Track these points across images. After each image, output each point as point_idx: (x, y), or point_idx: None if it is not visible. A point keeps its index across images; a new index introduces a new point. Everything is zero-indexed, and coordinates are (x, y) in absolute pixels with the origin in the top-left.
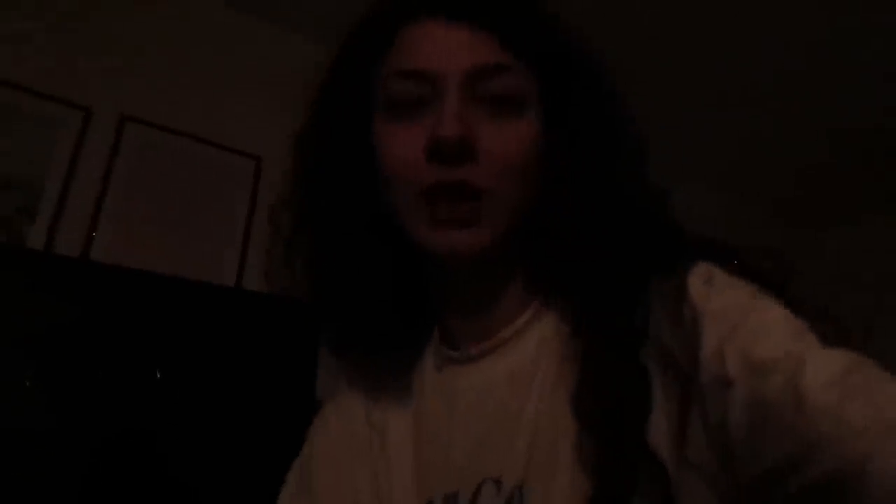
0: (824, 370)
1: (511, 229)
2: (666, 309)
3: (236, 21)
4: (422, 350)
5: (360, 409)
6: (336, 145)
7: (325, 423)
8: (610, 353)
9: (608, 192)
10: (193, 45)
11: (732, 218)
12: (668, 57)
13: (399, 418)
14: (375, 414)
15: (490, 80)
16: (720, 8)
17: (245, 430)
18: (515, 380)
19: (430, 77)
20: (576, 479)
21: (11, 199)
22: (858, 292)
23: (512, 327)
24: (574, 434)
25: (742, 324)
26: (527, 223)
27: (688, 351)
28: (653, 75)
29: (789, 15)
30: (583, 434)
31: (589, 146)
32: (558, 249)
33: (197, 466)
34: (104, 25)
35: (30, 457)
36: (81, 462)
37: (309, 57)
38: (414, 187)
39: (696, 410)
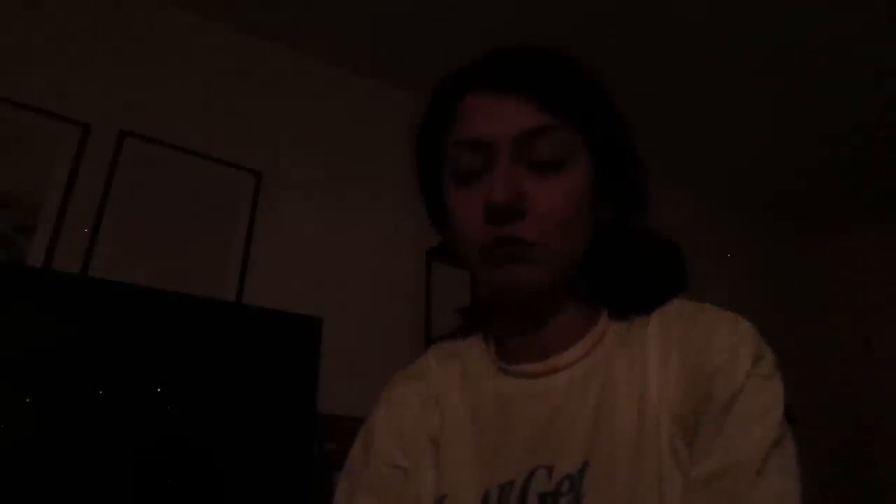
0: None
1: (566, 271)
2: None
3: (235, 38)
4: (475, 358)
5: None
6: (430, 199)
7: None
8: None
9: (643, 238)
10: (192, 60)
11: (723, 224)
12: (657, 61)
13: (457, 418)
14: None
15: (534, 142)
16: (708, 8)
17: (246, 445)
18: (569, 392)
19: (483, 146)
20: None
21: (10, 216)
22: (855, 301)
23: (567, 355)
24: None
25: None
26: (581, 264)
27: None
28: (643, 78)
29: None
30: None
31: (625, 192)
32: (609, 290)
33: (200, 481)
34: (102, 41)
35: (30, 473)
36: (82, 479)
37: (310, 73)
38: (476, 244)
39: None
